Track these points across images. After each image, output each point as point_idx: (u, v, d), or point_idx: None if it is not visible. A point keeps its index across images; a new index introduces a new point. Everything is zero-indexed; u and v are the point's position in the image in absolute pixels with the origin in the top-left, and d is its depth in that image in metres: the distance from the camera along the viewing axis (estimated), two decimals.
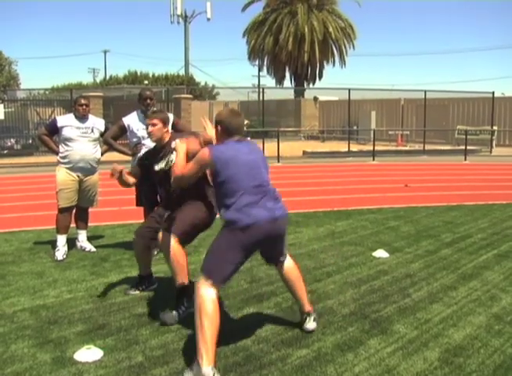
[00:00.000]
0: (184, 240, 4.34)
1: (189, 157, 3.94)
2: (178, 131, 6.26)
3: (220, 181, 3.65)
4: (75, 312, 4.44)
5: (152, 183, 6.01)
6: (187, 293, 4.30)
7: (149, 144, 6.02)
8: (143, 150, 5.80)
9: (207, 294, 3.47)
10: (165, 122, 4.81)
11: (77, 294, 4.91)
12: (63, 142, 6.13)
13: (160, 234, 4.52)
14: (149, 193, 6.11)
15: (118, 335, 3.99)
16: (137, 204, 6.31)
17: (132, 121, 6.12)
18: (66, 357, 3.63)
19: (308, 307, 4.09)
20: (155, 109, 5.16)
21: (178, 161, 3.93)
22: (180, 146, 4.02)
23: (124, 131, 6.17)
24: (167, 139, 4.81)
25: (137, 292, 4.94)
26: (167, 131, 4.88)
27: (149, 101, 6.03)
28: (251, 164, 3.71)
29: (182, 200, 4.47)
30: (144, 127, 6.00)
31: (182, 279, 4.33)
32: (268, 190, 3.76)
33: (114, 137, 6.25)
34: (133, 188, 6.24)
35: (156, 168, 4.78)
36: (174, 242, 4.21)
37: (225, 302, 4.65)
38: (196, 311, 3.45)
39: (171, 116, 6.34)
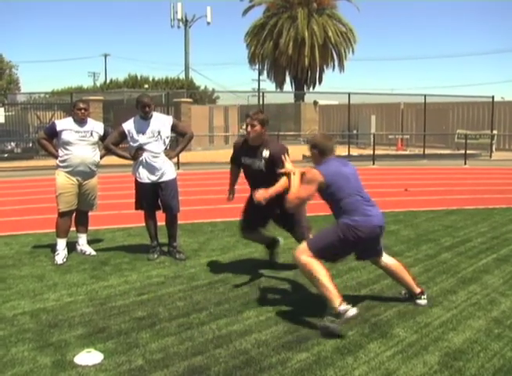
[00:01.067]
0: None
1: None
2: (178, 133, 6.39)
3: (330, 192, 4.29)
4: (75, 316, 4.45)
5: (151, 187, 6.07)
6: None
7: (149, 149, 6.05)
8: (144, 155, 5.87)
9: (309, 259, 4.16)
10: (263, 124, 5.28)
11: (77, 297, 4.91)
12: (62, 146, 6.14)
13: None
14: (149, 196, 6.13)
15: (118, 339, 3.99)
16: (136, 208, 6.31)
17: (132, 126, 6.12)
18: (67, 360, 3.64)
19: (417, 289, 4.70)
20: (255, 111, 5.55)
21: (295, 184, 4.52)
22: (297, 172, 4.62)
23: (124, 136, 6.18)
24: (261, 140, 5.33)
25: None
26: (265, 132, 5.35)
27: (147, 109, 6.02)
28: (352, 176, 4.40)
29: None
30: (143, 132, 6.03)
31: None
32: (369, 197, 4.43)
33: (115, 143, 6.26)
34: (132, 192, 6.27)
35: (243, 160, 5.46)
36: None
37: (224, 306, 4.66)
38: (308, 272, 4.17)
39: (170, 118, 6.37)
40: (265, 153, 5.26)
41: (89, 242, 6.59)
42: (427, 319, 4.34)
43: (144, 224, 6.42)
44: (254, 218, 5.57)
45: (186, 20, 38.08)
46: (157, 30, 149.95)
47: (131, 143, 6.11)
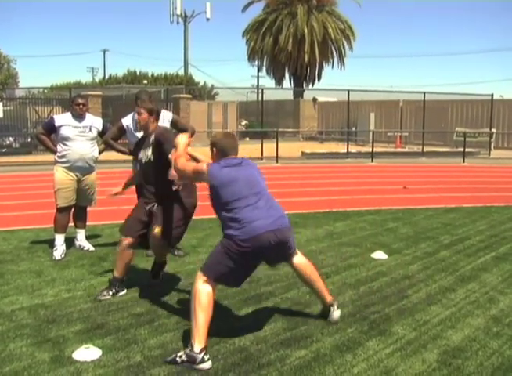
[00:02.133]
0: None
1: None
2: (178, 129, 6.26)
3: (218, 197, 3.87)
4: (74, 312, 4.44)
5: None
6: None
7: None
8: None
9: (203, 288, 3.73)
10: (151, 113, 4.84)
11: (75, 293, 4.90)
12: (60, 141, 6.12)
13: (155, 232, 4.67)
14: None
15: (117, 335, 3.98)
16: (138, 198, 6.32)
17: (130, 122, 6.13)
18: (65, 356, 3.63)
19: (329, 298, 4.25)
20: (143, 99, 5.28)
21: (179, 153, 4.17)
22: (181, 139, 4.27)
23: (123, 132, 6.19)
24: (151, 129, 4.88)
25: (108, 297, 4.77)
26: (154, 121, 4.90)
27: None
28: (249, 179, 3.94)
29: (166, 191, 4.70)
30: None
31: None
32: (268, 202, 3.93)
33: (114, 138, 6.26)
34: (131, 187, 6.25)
35: (139, 156, 4.93)
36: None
37: (223, 303, 4.65)
38: (192, 301, 3.73)
39: (170, 114, 6.37)
40: (152, 137, 4.79)
41: (88, 237, 6.59)
42: (425, 317, 4.34)
43: None
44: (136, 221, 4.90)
45: (186, 16, 38.11)
46: (156, 26, 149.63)
47: (130, 139, 6.11)
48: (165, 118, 6.21)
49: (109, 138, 6.23)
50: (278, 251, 3.94)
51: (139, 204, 4.98)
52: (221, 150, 4.01)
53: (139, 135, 5.99)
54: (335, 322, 4.18)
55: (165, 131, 4.96)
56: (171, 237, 4.73)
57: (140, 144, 5.00)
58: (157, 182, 4.74)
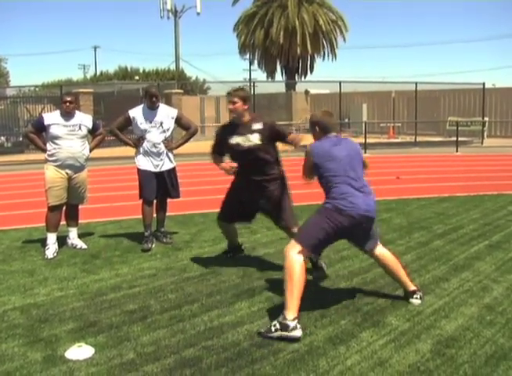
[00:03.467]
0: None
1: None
2: (182, 126, 6.47)
3: (321, 172, 4.22)
4: (66, 310, 4.41)
5: (151, 175, 6.12)
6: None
7: (151, 139, 6.10)
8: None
9: (295, 258, 3.99)
10: (245, 100, 5.14)
11: (67, 291, 4.88)
12: (50, 140, 6.08)
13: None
14: (150, 183, 6.16)
15: (109, 332, 3.96)
16: (140, 197, 6.32)
17: (138, 114, 6.24)
18: (57, 355, 3.61)
19: (410, 287, 4.47)
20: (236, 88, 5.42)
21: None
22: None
23: (129, 122, 6.29)
24: (247, 117, 5.19)
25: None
26: (248, 108, 5.19)
27: (154, 99, 6.15)
28: (347, 159, 4.21)
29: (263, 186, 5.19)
30: (147, 121, 6.07)
31: None
32: (363, 183, 4.30)
33: (120, 128, 6.39)
34: (130, 184, 6.24)
35: (232, 141, 5.16)
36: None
37: (216, 298, 4.64)
38: (286, 272, 3.98)
39: (175, 111, 6.42)
40: (257, 126, 5.13)
41: (80, 235, 6.55)
42: (419, 308, 4.33)
43: (138, 215, 6.43)
44: (233, 210, 5.45)
45: (176, 11, 37.86)
46: (147, 22, 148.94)
47: (135, 130, 6.24)
48: (169, 114, 6.26)
49: (115, 127, 6.33)
50: (361, 232, 4.33)
51: (237, 193, 5.38)
52: (323, 128, 4.30)
53: (144, 126, 6.14)
54: (415, 305, 4.39)
55: (274, 122, 5.40)
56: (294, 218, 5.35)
57: (233, 129, 5.19)
58: (261, 165, 5.15)
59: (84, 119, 6.26)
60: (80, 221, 6.63)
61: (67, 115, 6.08)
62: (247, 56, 42.89)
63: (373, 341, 3.74)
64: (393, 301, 4.47)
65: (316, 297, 4.61)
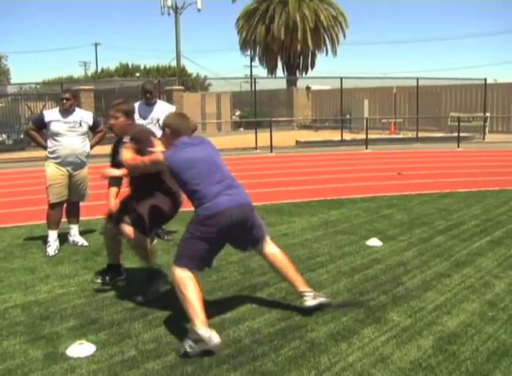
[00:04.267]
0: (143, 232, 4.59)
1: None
2: None
3: (181, 181, 3.93)
4: (67, 308, 4.41)
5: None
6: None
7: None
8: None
9: (183, 274, 3.77)
10: (128, 114, 4.75)
11: (69, 289, 4.88)
12: (51, 137, 6.07)
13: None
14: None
15: (110, 330, 3.96)
16: None
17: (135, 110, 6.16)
18: (59, 353, 3.61)
19: (302, 287, 4.19)
20: (118, 101, 4.91)
21: (127, 155, 4.26)
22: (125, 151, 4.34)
23: None
24: (130, 131, 4.73)
25: (99, 281, 4.99)
26: (131, 123, 4.79)
27: (148, 95, 6.12)
28: (206, 159, 3.95)
29: (147, 190, 4.64)
30: (143, 117, 6.07)
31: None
32: (229, 181, 3.97)
33: None
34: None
35: (118, 158, 4.71)
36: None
37: (217, 294, 4.63)
38: (177, 289, 3.77)
39: (173, 108, 6.39)
40: (126, 139, 4.70)
41: (81, 233, 6.56)
42: (420, 304, 4.32)
43: None
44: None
45: (176, 7, 37.83)
46: (148, 18, 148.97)
47: None
48: (167, 111, 6.23)
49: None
50: (242, 230, 3.98)
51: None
52: (174, 130, 4.01)
53: (141, 123, 5.97)
54: (309, 309, 4.12)
55: (141, 131, 4.82)
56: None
57: (117, 146, 4.84)
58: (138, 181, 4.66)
59: (84, 116, 6.25)
60: (81, 218, 6.63)
61: (67, 112, 6.07)
62: (248, 53, 42.95)
63: (375, 338, 3.73)
64: (395, 298, 4.46)
65: (318, 293, 4.59)
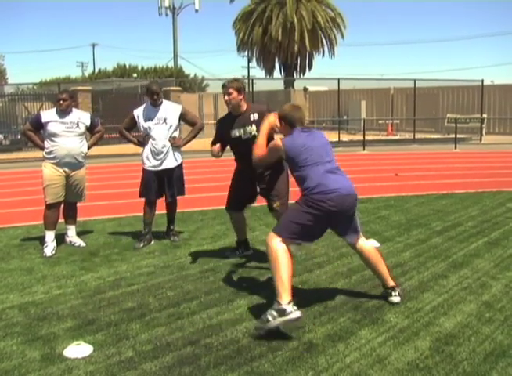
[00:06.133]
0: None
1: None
2: (187, 122, 6.46)
3: (295, 166, 4.19)
4: (64, 308, 4.40)
5: (155, 174, 6.11)
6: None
7: (156, 136, 6.11)
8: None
9: (278, 246, 3.98)
10: (240, 90, 5.24)
11: (66, 289, 4.87)
12: (48, 137, 6.07)
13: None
14: (153, 182, 6.15)
15: (108, 330, 3.95)
16: (140, 195, 6.31)
17: (141, 112, 6.28)
18: (56, 354, 3.60)
19: (390, 283, 4.44)
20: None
21: (260, 142, 4.45)
22: (265, 125, 4.51)
23: (134, 121, 6.33)
24: (244, 107, 5.31)
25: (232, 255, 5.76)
26: (244, 99, 5.30)
27: (155, 96, 6.14)
28: (319, 149, 4.22)
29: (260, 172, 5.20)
30: (150, 118, 6.08)
31: None
32: (339, 171, 4.27)
33: (127, 128, 6.49)
34: (128, 181, 6.23)
35: (233, 134, 5.28)
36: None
37: (214, 295, 4.63)
38: (271, 260, 3.98)
39: (179, 107, 6.42)
40: (253, 116, 5.23)
41: (78, 233, 6.55)
42: (418, 305, 4.33)
43: (140, 213, 6.45)
44: (238, 198, 5.54)
45: (174, 8, 37.87)
46: (145, 19, 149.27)
47: (140, 129, 6.26)
48: (174, 111, 6.26)
49: (123, 127, 6.42)
50: (347, 218, 4.25)
51: (240, 178, 5.46)
52: (290, 122, 4.28)
53: (148, 124, 6.15)
54: (393, 303, 4.35)
55: (266, 108, 5.27)
56: (286, 203, 5.32)
57: (231, 122, 5.31)
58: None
59: (81, 116, 6.24)
60: (78, 219, 6.62)
61: (64, 112, 6.06)
62: (246, 53, 42.82)
63: (372, 339, 3.73)
64: None
65: (315, 294, 4.61)
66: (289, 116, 4.31)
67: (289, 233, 4.05)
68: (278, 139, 4.32)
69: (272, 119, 4.49)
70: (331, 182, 4.09)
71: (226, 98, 5.22)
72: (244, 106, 5.31)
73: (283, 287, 3.83)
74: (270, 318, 3.73)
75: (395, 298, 4.37)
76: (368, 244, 4.52)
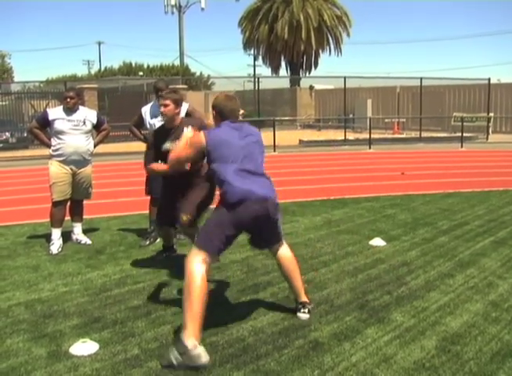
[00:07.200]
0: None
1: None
2: None
3: (214, 162, 3.82)
4: (70, 306, 4.41)
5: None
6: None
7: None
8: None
9: (197, 270, 3.57)
10: (177, 103, 4.95)
11: (72, 287, 4.88)
12: (55, 135, 6.07)
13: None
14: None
15: (114, 328, 3.96)
16: (146, 193, 6.31)
17: (148, 109, 6.30)
18: (62, 351, 3.61)
19: (302, 297, 4.15)
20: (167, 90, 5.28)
21: (178, 146, 4.11)
22: (186, 133, 4.12)
23: (142, 118, 6.34)
24: (178, 121, 5.02)
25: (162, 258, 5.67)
26: (179, 113, 5.05)
27: (160, 93, 6.10)
28: (244, 149, 3.85)
29: (188, 182, 4.85)
30: (156, 115, 6.09)
31: None
32: (261, 176, 3.90)
33: (136, 125, 6.49)
34: (134, 179, 6.23)
35: (164, 148, 4.89)
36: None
37: (220, 293, 4.63)
38: (185, 284, 3.56)
39: (186, 105, 6.35)
40: (185, 129, 4.61)
41: (84, 231, 6.55)
42: (424, 304, 4.32)
43: (145, 211, 6.47)
44: (169, 210, 5.02)
45: (180, 6, 37.86)
46: (151, 17, 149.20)
47: (146, 125, 6.27)
48: (182, 109, 6.22)
49: (132, 124, 6.47)
50: (268, 225, 3.89)
51: (167, 192, 5.15)
52: (220, 112, 3.97)
53: (153, 121, 6.11)
54: (301, 320, 4.03)
55: (198, 121, 5.08)
56: (197, 220, 4.89)
57: (164, 135, 4.97)
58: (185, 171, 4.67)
59: (88, 114, 6.25)
60: (84, 216, 6.63)
61: (71, 110, 6.06)
62: (252, 52, 42.91)
63: (378, 338, 3.72)
64: (398, 298, 4.45)
65: (321, 293, 4.60)
66: (221, 105, 3.97)
67: (212, 247, 3.68)
68: (197, 132, 3.99)
69: (189, 134, 4.06)
70: (249, 185, 3.73)
71: (162, 109, 4.92)
72: (178, 120, 5.03)
73: (191, 322, 3.39)
74: (173, 359, 3.33)
75: (303, 315, 4.07)
76: (288, 254, 4.13)
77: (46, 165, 6.24)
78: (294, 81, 36.90)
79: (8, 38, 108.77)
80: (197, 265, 3.60)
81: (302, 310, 4.10)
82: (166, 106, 4.90)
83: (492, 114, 24.95)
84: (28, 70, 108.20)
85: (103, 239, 6.56)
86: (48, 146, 6.16)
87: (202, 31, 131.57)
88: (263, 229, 3.95)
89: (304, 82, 36.43)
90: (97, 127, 6.36)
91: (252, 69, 51.70)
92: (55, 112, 6.14)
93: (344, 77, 24.81)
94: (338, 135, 23.51)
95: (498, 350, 3.52)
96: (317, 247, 6.01)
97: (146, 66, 48.54)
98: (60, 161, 6.07)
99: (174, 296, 4.61)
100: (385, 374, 3.24)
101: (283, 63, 40.19)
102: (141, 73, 45.77)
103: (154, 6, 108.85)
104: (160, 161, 4.77)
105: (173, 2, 36.71)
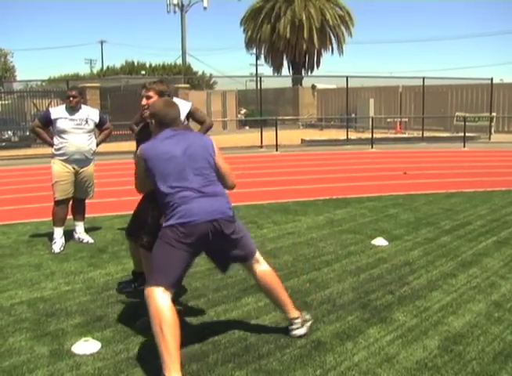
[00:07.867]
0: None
1: None
2: (196, 120, 5.75)
3: (152, 179, 3.40)
4: (73, 305, 4.41)
5: None
6: None
7: None
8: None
9: (162, 304, 3.21)
10: (162, 95, 4.24)
11: (74, 286, 4.88)
12: (57, 134, 6.08)
13: None
14: None
15: (116, 327, 3.96)
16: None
17: None
18: (64, 350, 3.61)
19: (293, 314, 3.76)
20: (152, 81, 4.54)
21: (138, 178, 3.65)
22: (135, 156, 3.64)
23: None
24: None
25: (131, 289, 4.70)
26: None
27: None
28: (188, 161, 3.39)
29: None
30: None
31: None
32: (207, 192, 3.38)
33: (137, 124, 6.36)
34: (129, 179, 6.23)
35: None
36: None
37: (222, 293, 4.63)
38: (154, 321, 3.19)
39: (188, 104, 6.21)
40: None
41: (87, 230, 6.56)
42: (426, 304, 4.31)
43: None
44: (140, 222, 4.54)
45: (182, 5, 37.81)
46: (153, 16, 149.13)
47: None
48: (182, 108, 6.10)
49: (133, 123, 6.33)
50: (221, 244, 3.45)
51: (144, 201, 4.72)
52: (159, 121, 3.51)
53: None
54: (295, 336, 3.73)
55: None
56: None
57: (149, 135, 3.84)
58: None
59: (91, 113, 6.25)
60: (87, 215, 6.63)
61: (73, 109, 6.07)
62: (254, 51, 42.90)
63: (381, 337, 3.72)
64: (400, 297, 4.45)
65: (323, 292, 4.60)
66: (161, 114, 3.50)
67: (167, 280, 3.27)
68: (139, 149, 3.50)
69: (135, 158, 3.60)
70: (194, 206, 3.28)
71: (144, 102, 4.25)
72: None
73: (170, 359, 3.08)
74: None
75: (299, 331, 3.72)
76: (267, 269, 3.70)
77: (48, 164, 6.24)
78: (296, 81, 36.90)
79: (10, 37, 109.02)
80: (160, 298, 3.22)
81: (295, 326, 3.74)
82: (149, 98, 4.21)
83: (494, 114, 24.92)
84: (30, 69, 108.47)
85: (106, 238, 6.56)
86: (51, 144, 6.16)
87: (204, 30, 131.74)
88: (224, 248, 3.52)
89: (307, 82, 36.48)
90: (99, 126, 6.36)
91: (254, 68, 51.71)
92: (58, 111, 6.14)
93: (347, 77, 24.79)
94: (340, 134, 23.50)
95: (500, 350, 3.51)
96: (319, 247, 6.01)
97: (148, 65, 48.52)
98: (63, 160, 6.07)
99: (176, 295, 4.59)
100: (387, 374, 3.24)
101: (285, 63, 40.23)
102: (143, 72, 45.75)
103: (156, 5, 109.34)
104: None
105: (175, 1, 36.67)
